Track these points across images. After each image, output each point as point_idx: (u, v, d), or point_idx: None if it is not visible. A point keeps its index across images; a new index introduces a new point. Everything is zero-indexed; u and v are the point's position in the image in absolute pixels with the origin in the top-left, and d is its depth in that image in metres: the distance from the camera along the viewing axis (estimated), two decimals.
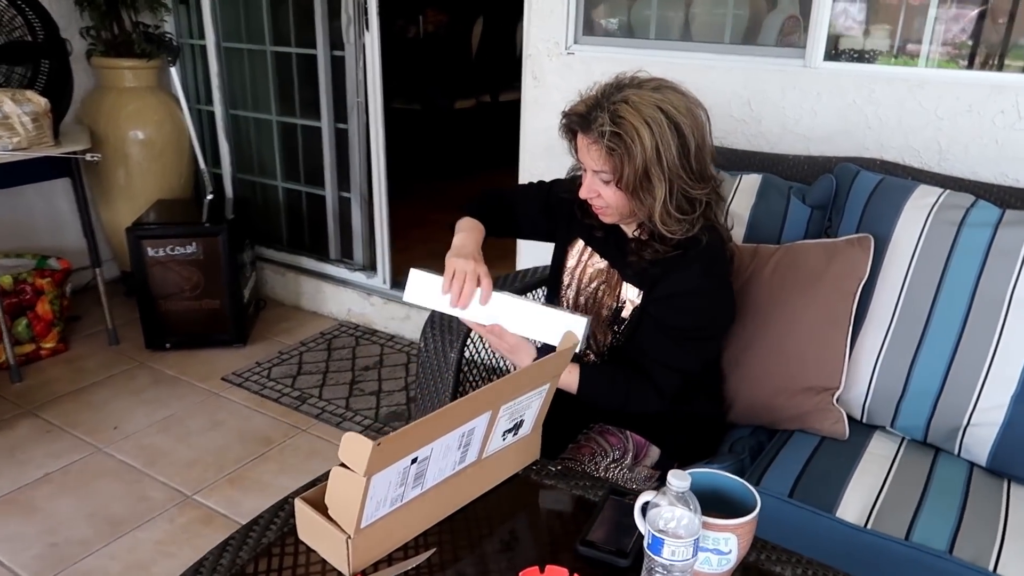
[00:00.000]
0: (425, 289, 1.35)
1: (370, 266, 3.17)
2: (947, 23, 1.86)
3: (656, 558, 0.90)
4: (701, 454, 1.49)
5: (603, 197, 1.32)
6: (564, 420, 1.39)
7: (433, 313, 1.69)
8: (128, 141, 3.11)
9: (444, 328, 1.65)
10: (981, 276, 1.48)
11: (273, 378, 2.71)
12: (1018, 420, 1.40)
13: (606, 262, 1.46)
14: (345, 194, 3.15)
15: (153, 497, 2.07)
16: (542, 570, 0.96)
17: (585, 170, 1.34)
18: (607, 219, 1.38)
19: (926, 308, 1.50)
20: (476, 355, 1.74)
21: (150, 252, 2.77)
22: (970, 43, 1.88)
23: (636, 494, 1.14)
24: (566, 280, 1.52)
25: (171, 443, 2.32)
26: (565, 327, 1.22)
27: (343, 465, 0.93)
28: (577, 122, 1.30)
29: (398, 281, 3.12)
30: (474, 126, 5.23)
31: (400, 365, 2.84)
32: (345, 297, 3.19)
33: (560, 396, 1.29)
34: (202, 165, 3.21)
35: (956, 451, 1.48)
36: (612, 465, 1.37)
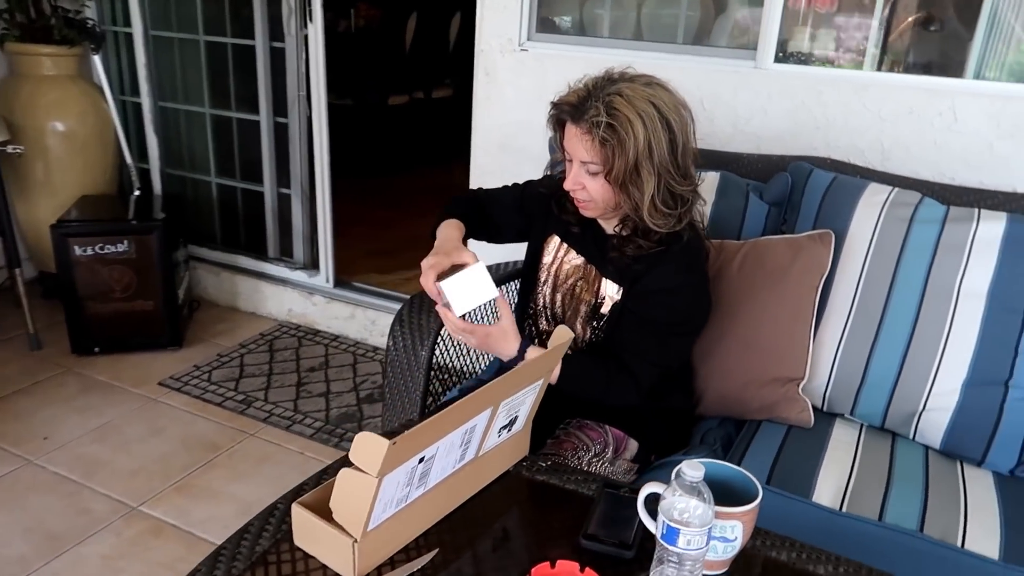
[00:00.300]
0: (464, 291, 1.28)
1: (312, 264, 3.09)
2: (889, 29, 1.96)
3: (670, 548, 0.91)
4: (676, 446, 1.51)
5: (588, 190, 1.32)
6: (541, 415, 1.38)
7: (401, 311, 1.66)
8: (47, 133, 2.93)
9: (414, 327, 1.63)
10: (931, 270, 1.56)
11: (214, 381, 2.60)
12: (969, 405, 1.49)
13: (583, 258, 1.46)
14: (285, 190, 3.06)
15: (95, 510, 1.96)
16: (553, 565, 0.95)
17: (570, 161, 1.34)
18: (588, 213, 1.38)
19: (882, 300, 1.58)
20: (444, 356, 1.71)
21: (77, 251, 2.62)
22: (909, 49, 1.98)
23: (629, 487, 1.16)
24: (542, 276, 1.52)
25: (109, 452, 2.19)
26: (473, 283, 1.25)
27: (348, 465, 0.90)
28: (569, 112, 1.30)
29: (341, 280, 3.05)
30: (408, 122, 5.17)
31: (347, 366, 2.78)
32: (285, 297, 3.10)
33: (554, 393, 1.30)
34: (128, 159, 3.06)
35: (911, 436, 1.55)
36: (594, 459, 1.38)
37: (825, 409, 1.61)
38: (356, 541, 0.93)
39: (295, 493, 1.11)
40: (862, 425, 1.60)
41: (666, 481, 1.38)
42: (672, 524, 0.90)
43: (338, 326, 3.01)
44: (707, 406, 1.60)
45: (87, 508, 1.96)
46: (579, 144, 1.28)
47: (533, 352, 1.31)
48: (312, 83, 2.77)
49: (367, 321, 2.95)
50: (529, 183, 1.61)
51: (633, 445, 1.45)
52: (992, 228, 1.56)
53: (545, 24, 2.37)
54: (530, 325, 1.55)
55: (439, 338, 1.63)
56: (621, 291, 1.39)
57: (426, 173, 5.10)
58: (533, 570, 0.94)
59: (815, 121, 2.02)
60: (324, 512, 0.99)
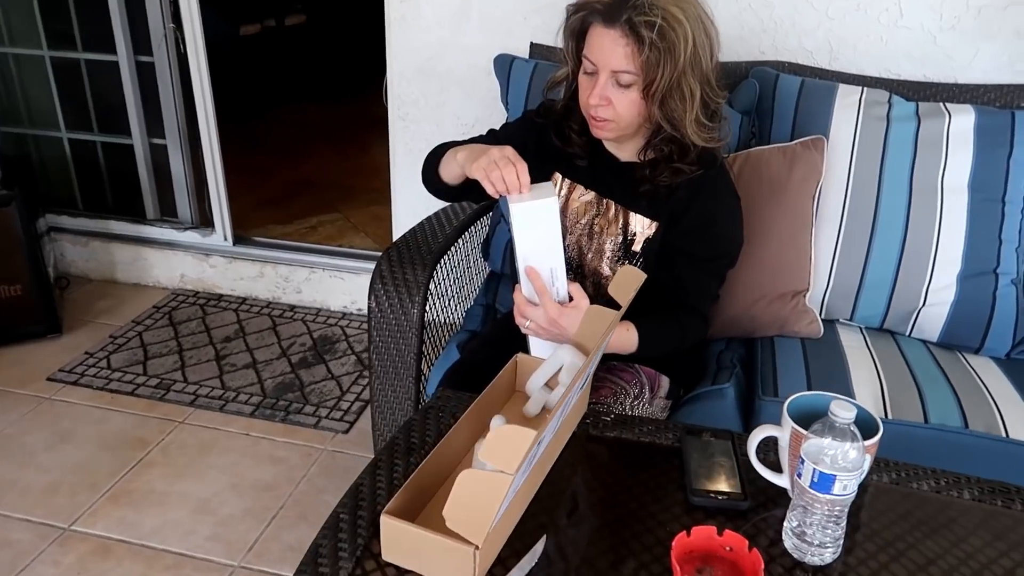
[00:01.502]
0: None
1: (204, 223, 2.74)
2: None
3: (823, 496, 0.84)
4: (697, 376, 1.45)
5: (614, 105, 1.17)
6: None
7: (380, 266, 1.46)
8: None
9: (399, 282, 1.44)
10: (914, 167, 1.56)
11: (116, 368, 2.27)
12: (964, 297, 1.52)
13: (593, 193, 1.32)
14: (159, 141, 2.66)
15: (17, 540, 1.65)
16: (688, 534, 0.86)
17: (592, 73, 1.18)
18: (604, 133, 1.23)
19: (872, 203, 1.57)
20: (433, 312, 1.54)
21: None
22: None
23: (712, 431, 1.08)
24: None
25: (14, 470, 1.86)
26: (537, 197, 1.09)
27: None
28: (603, 12, 1.12)
29: (241, 236, 2.73)
30: (264, 55, 4.68)
31: (267, 330, 2.51)
32: (175, 262, 2.74)
33: None
34: None
35: (908, 333, 1.58)
36: (635, 403, 1.29)
37: (824, 317, 1.60)
38: (478, 548, 0.79)
39: (353, 498, 0.94)
40: (861, 328, 1.60)
41: (709, 416, 1.32)
42: (826, 471, 0.82)
43: (245, 287, 2.71)
44: (716, 328, 1.54)
45: (6, 540, 1.65)
46: (613, 50, 1.12)
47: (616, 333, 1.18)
48: (183, 12, 2.38)
49: (279, 279, 2.67)
50: (505, 125, 1.43)
51: (665, 382, 1.36)
52: (963, 121, 1.57)
53: None
54: None
55: (428, 294, 1.46)
56: (655, 226, 1.27)
57: (295, 110, 4.68)
58: (674, 545, 0.84)
59: (762, 24, 1.96)
60: (409, 516, 0.83)
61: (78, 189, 2.83)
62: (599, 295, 1.30)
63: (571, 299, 1.12)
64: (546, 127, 1.33)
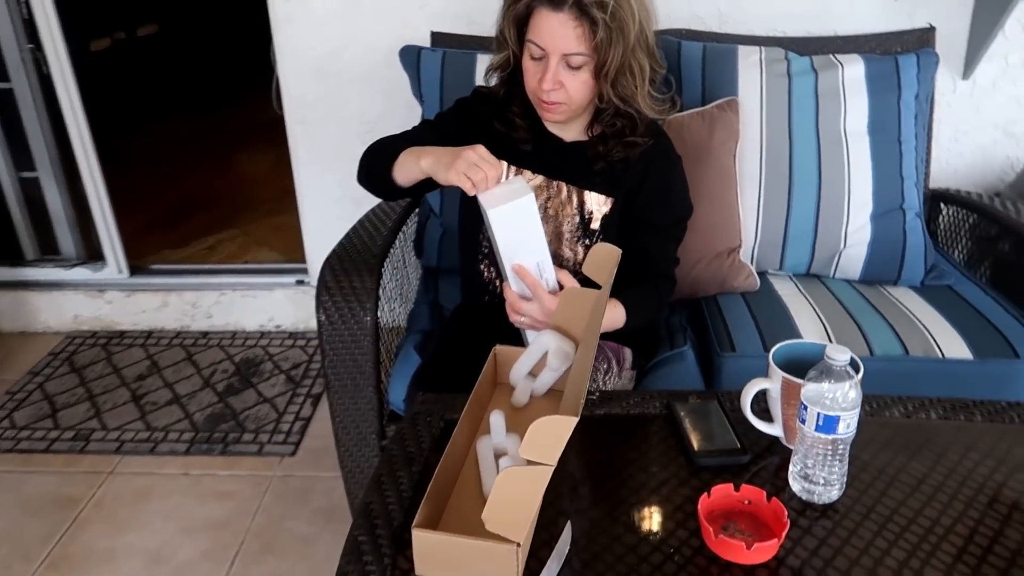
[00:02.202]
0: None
1: (92, 256, 2.54)
2: None
3: (826, 437, 0.88)
4: (654, 343, 1.49)
5: (567, 88, 1.17)
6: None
7: (324, 277, 1.40)
8: None
9: (346, 290, 1.38)
10: (819, 118, 1.66)
11: (23, 426, 2.08)
12: (879, 235, 1.63)
13: (541, 176, 1.32)
14: (29, 174, 2.44)
15: None
16: (709, 494, 0.88)
17: (543, 58, 1.17)
18: (556, 117, 1.24)
19: (786, 157, 1.65)
20: (386, 316, 1.50)
21: None
22: None
23: (695, 394, 1.11)
24: None
25: None
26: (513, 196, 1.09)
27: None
28: None
29: (138, 266, 2.56)
30: (122, 69, 4.37)
31: (182, 361, 2.37)
32: (65, 303, 2.53)
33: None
34: None
35: (832, 274, 1.68)
36: (606, 378, 1.30)
37: (756, 270, 1.67)
38: (519, 545, 0.78)
39: (366, 518, 0.90)
40: (791, 276, 1.69)
41: (674, 380, 1.36)
42: (829, 413, 0.87)
43: (149, 320, 2.54)
44: None
45: None
46: (564, 33, 1.12)
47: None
48: (42, 32, 2.19)
49: (186, 306, 2.52)
50: (440, 115, 1.40)
51: (628, 353, 1.39)
52: (854, 70, 1.68)
53: None
54: (488, 268, 1.38)
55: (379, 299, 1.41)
56: (611, 201, 1.28)
57: (164, 125, 4.41)
58: (700, 507, 0.86)
59: None
60: (432, 527, 0.82)
61: None
62: None
63: (561, 287, 1.12)
64: (486, 115, 1.32)
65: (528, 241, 1.12)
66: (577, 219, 1.30)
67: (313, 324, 2.51)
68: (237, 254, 2.84)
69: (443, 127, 1.34)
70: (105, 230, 2.45)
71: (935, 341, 1.39)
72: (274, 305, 2.50)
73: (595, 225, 1.30)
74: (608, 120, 1.24)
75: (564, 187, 1.30)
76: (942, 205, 1.90)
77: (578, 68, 1.15)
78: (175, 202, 3.35)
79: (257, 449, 1.96)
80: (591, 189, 1.29)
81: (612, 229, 1.29)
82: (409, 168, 1.19)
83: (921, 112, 1.71)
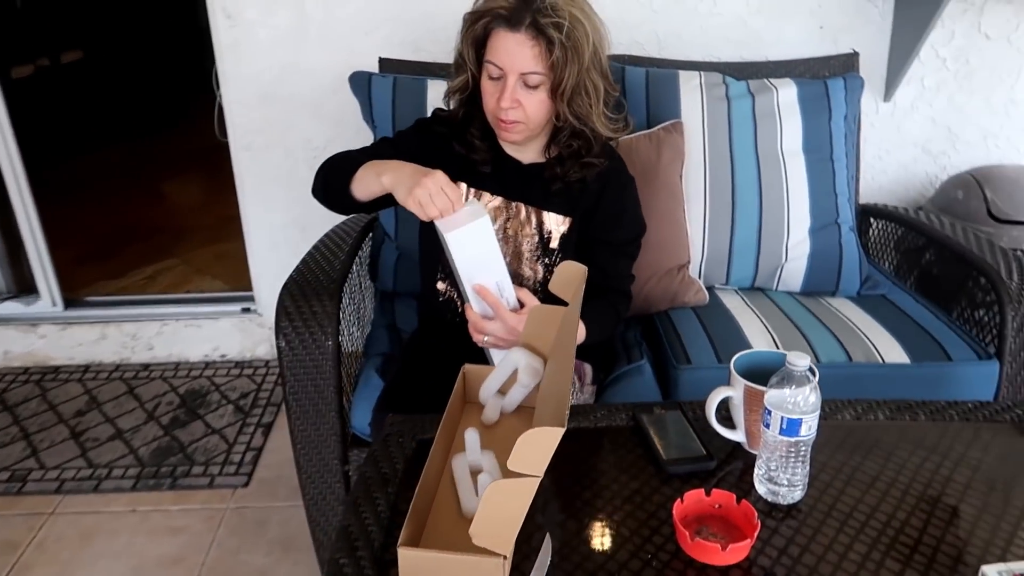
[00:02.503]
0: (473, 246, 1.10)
1: (24, 289, 2.44)
2: None
3: (790, 439, 0.92)
4: (611, 358, 1.52)
5: (524, 107, 1.21)
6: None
7: (283, 302, 1.39)
8: None
9: (307, 315, 1.38)
10: (757, 138, 1.74)
11: None
12: (817, 248, 1.71)
13: (500, 198, 1.35)
14: None
15: None
16: (682, 500, 0.91)
17: (497, 79, 1.21)
18: (514, 137, 1.27)
19: (728, 176, 1.72)
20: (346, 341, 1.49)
21: None
22: None
23: (659, 405, 1.14)
24: None
25: None
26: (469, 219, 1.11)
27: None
28: (508, 17, 1.16)
29: (73, 299, 2.47)
30: (47, 97, 4.24)
31: (123, 395, 2.29)
32: None
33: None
34: None
35: (775, 287, 1.75)
36: (571, 394, 1.33)
37: (704, 284, 1.73)
38: (506, 558, 0.79)
39: (346, 541, 0.90)
40: (736, 290, 1.76)
41: (633, 393, 1.40)
42: (792, 417, 0.91)
43: (85, 354, 2.45)
44: None
45: None
46: (521, 52, 1.16)
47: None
48: None
49: (125, 337, 2.44)
50: (400, 134, 1.42)
51: (588, 369, 1.42)
52: (788, 94, 1.77)
53: None
54: (449, 288, 1.40)
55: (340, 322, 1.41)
56: (569, 221, 1.32)
57: (94, 154, 4.27)
58: (674, 512, 0.89)
59: None
60: (415, 545, 0.83)
61: None
62: None
63: (521, 305, 1.15)
64: (446, 136, 1.34)
65: (487, 262, 1.14)
66: (536, 239, 1.33)
67: (260, 352, 2.46)
68: (178, 283, 2.77)
69: (402, 146, 1.35)
70: (38, 262, 2.36)
71: (875, 347, 1.47)
72: (219, 334, 2.45)
73: (554, 244, 1.33)
74: (564, 141, 1.28)
75: (523, 208, 1.33)
76: (871, 219, 2.01)
77: (535, 87, 1.19)
78: (110, 232, 3.25)
79: (208, 482, 1.91)
80: (549, 209, 1.32)
81: (570, 248, 1.33)
82: (369, 183, 1.20)
83: (850, 132, 1.81)
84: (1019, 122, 2.20)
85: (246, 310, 2.42)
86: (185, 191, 3.69)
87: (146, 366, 2.44)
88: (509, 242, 1.34)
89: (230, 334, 2.44)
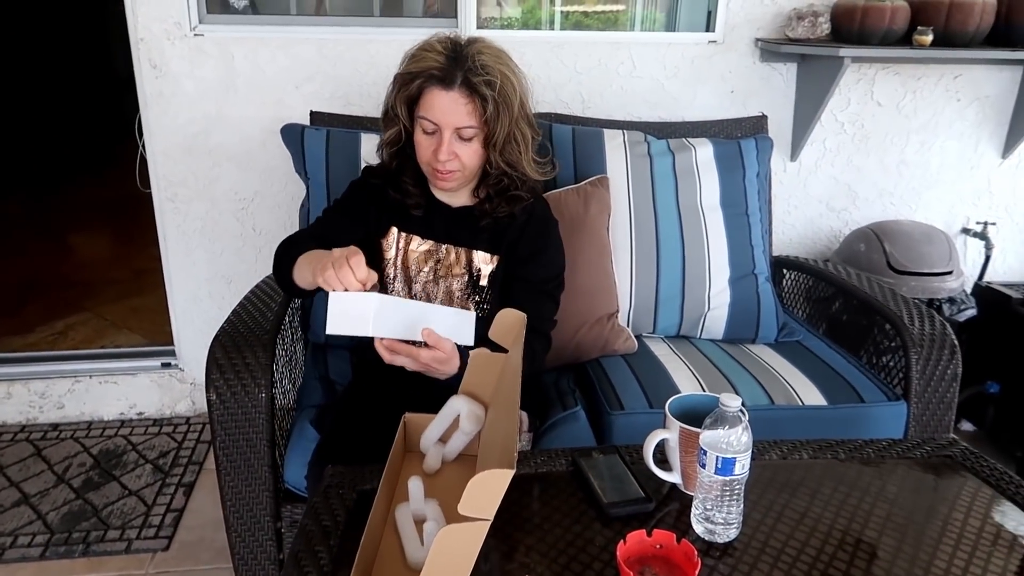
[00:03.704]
0: (346, 313, 1.06)
1: None
2: None
3: (724, 478, 0.96)
4: (545, 406, 1.55)
5: (461, 158, 1.28)
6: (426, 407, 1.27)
7: (214, 353, 1.36)
8: None
9: (239, 367, 1.35)
10: (678, 194, 1.83)
11: None
12: (736, 297, 1.80)
13: (431, 241, 1.39)
14: None
15: None
16: (625, 541, 0.93)
17: (432, 133, 1.27)
18: (450, 185, 1.34)
19: (652, 228, 1.80)
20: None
21: None
22: (587, 8, 2.22)
23: (599, 449, 1.17)
24: (390, 273, 1.40)
25: None
26: (456, 323, 1.15)
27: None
28: (440, 77, 1.23)
29: None
30: None
31: (30, 457, 2.16)
32: None
33: (422, 385, 1.21)
34: None
35: (699, 335, 1.83)
36: None
37: (632, 333, 1.79)
38: None
39: None
40: (663, 338, 1.82)
41: (568, 439, 1.42)
42: (726, 456, 0.95)
43: None
44: (547, 359, 1.65)
45: None
46: (455, 111, 1.23)
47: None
48: None
49: (33, 396, 2.31)
50: (337, 201, 1.46)
51: (524, 417, 1.44)
52: (705, 152, 1.87)
53: (218, 4, 2.07)
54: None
55: (274, 375, 1.39)
56: (496, 258, 1.38)
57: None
58: (618, 553, 0.91)
59: None
60: None
61: None
62: None
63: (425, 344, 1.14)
64: (380, 187, 1.38)
65: (384, 326, 1.09)
66: (466, 278, 1.39)
67: (181, 409, 2.38)
68: (92, 339, 2.65)
69: (347, 208, 1.41)
70: None
71: (794, 390, 1.54)
72: (137, 391, 2.35)
73: (483, 282, 1.39)
74: (491, 182, 1.36)
75: (452, 249, 1.39)
76: (784, 270, 2.13)
77: (469, 140, 1.27)
78: (12, 286, 3.09)
79: (125, 547, 1.82)
80: (477, 248, 1.39)
81: (498, 285, 1.38)
82: (303, 273, 1.21)
83: (762, 188, 1.93)
84: (910, 181, 2.39)
85: (166, 364, 2.34)
86: (98, 243, 3.56)
87: (55, 426, 2.31)
88: (440, 282, 1.39)
89: (148, 391, 2.35)
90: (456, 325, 1.16)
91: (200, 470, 2.11)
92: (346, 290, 1.05)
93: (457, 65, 1.22)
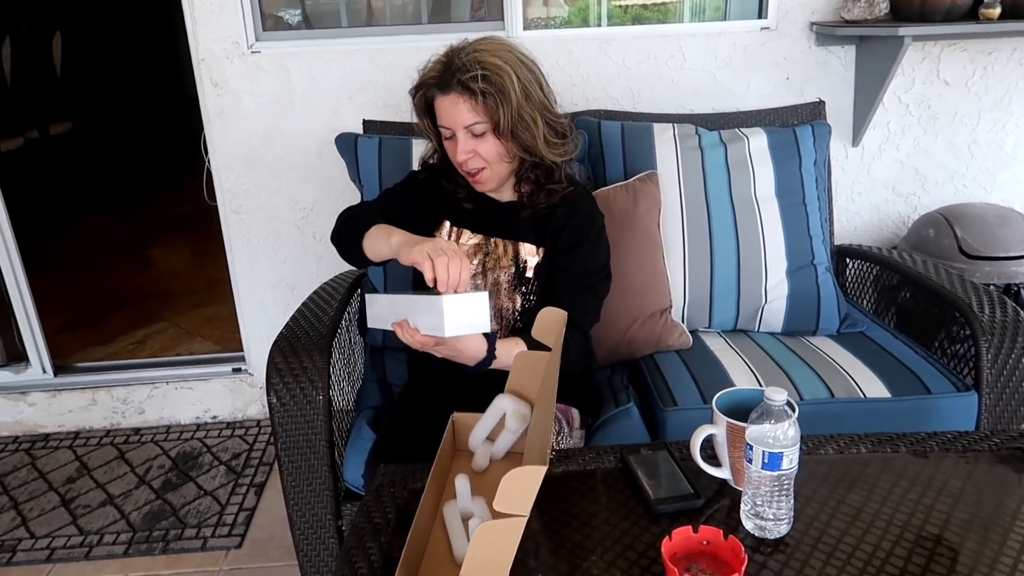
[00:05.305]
0: (380, 310, 1.11)
1: (13, 357, 2.44)
2: None
3: (772, 473, 0.95)
4: (598, 402, 1.55)
5: (480, 153, 1.32)
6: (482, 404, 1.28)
7: (273, 358, 1.41)
8: None
9: (297, 371, 1.40)
10: (731, 186, 1.80)
11: None
12: (795, 289, 1.75)
13: (480, 235, 1.43)
14: None
15: None
16: (671, 538, 0.93)
17: (450, 138, 1.32)
18: (487, 185, 1.38)
19: (705, 222, 1.77)
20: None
21: None
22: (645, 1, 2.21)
23: (647, 446, 1.17)
24: None
25: None
26: (470, 307, 1.10)
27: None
28: (437, 84, 1.29)
29: (63, 366, 2.48)
30: (36, 168, 4.29)
31: (114, 460, 2.28)
32: None
33: (468, 382, 1.23)
34: None
35: (757, 328, 1.79)
36: (558, 439, 1.35)
37: (688, 328, 1.76)
38: None
39: None
40: (719, 332, 1.79)
41: (621, 436, 1.42)
42: (773, 451, 0.94)
43: (75, 420, 2.45)
44: (601, 356, 1.65)
45: None
46: (458, 109, 1.28)
47: (505, 347, 1.24)
48: None
49: (116, 402, 2.44)
50: (398, 185, 1.52)
51: (576, 413, 1.44)
52: (759, 142, 1.83)
53: (273, 21, 2.14)
54: None
55: (331, 377, 1.43)
56: (542, 250, 1.41)
57: (78, 223, 4.33)
58: (663, 549, 0.90)
59: (571, 80, 2.16)
60: None
61: None
62: (503, 327, 1.43)
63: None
64: (434, 179, 1.45)
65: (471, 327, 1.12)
66: (513, 270, 1.42)
67: (252, 412, 2.47)
68: (169, 347, 2.78)
69: (404, 192, 1.48)
70: (29, 331, 2.37)
71: (856, 383, 1.50)
72: (210, 396, 2.45)
73: (529, 274, 1.41)
74: (526, 175, 1.39)
75: (500, 242, 1.43)
76: (847, 260, 2.06)
77: (482, 135, 1.31)
78: (98, 299, 3.26)
79: (201, 544, 1.90)
80: (523, 240, 1.42)
81: (543, 277, 1.41)
82: (378, 244, 1.27)
83: (820, 176, 1.87)
84: (982, 162, 2.28)
85: (237, 370, 2.43)
86: (173, 256, 3.73)
87: (137, 430, 2.43)
88: (488, 275, 1.43)
89: (221, 395, 2.45)
90: (463, 311, 1.11)
91: (270, 471, 2.19)
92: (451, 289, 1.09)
93: (448, 69, 1.28)
